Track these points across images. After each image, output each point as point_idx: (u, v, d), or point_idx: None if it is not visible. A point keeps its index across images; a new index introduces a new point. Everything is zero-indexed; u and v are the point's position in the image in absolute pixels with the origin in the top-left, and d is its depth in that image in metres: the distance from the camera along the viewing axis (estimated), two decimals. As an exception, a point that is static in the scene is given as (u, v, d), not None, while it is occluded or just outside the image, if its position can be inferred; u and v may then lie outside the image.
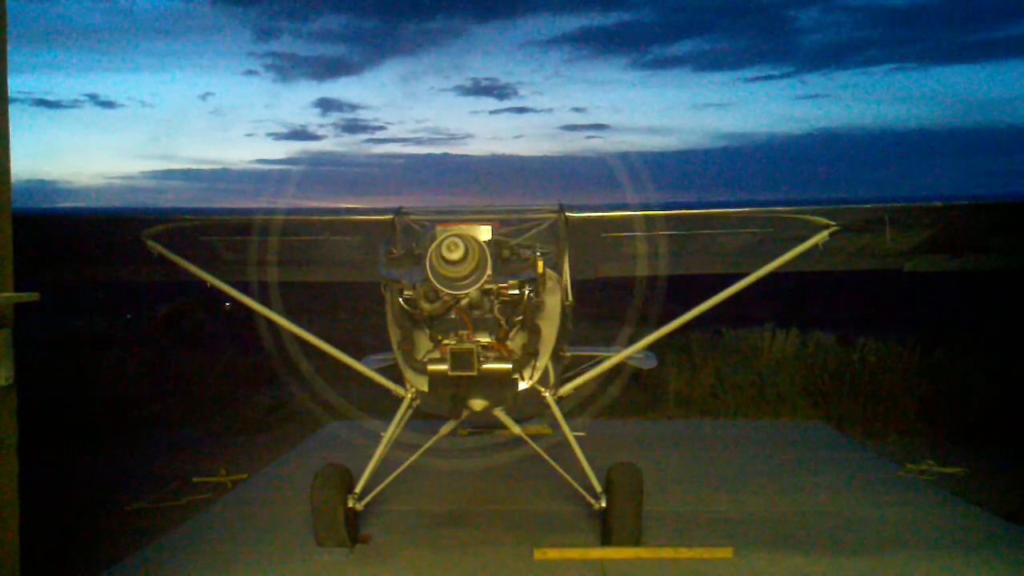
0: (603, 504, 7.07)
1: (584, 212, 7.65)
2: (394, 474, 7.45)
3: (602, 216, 7.73)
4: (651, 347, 9.13)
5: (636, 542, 6.98)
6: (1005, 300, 19.55)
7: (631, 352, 8.31)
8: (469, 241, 5.85)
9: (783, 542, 7.31)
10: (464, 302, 6.09)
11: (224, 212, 8.01)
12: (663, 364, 13.14)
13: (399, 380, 7.34)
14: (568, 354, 8.39)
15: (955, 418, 11.93)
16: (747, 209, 7.71)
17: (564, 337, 7.49)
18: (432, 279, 5.93)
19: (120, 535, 7.76)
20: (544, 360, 6.91)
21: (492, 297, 6.22)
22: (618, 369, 8.84)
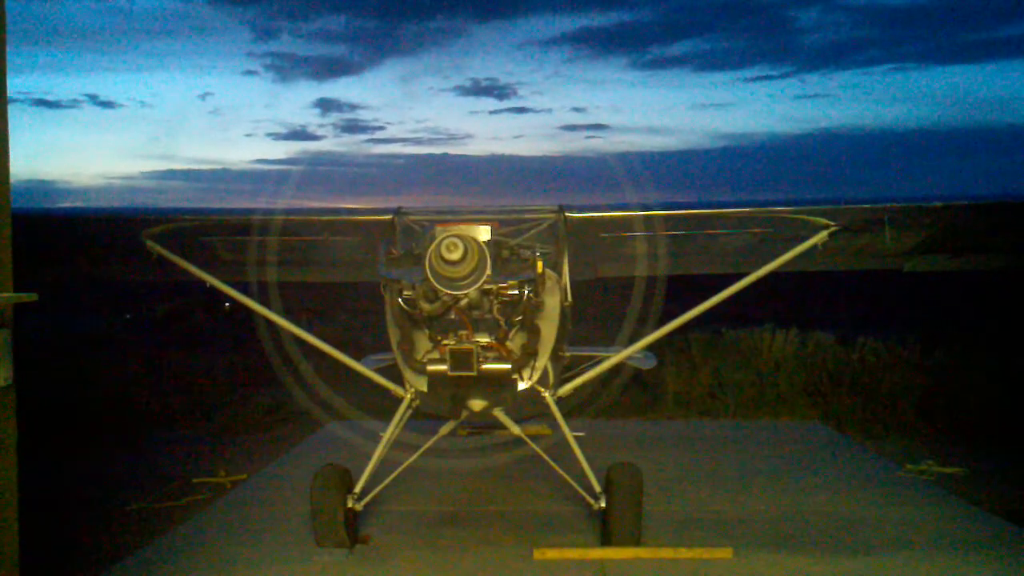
0: (603, 504, 7.07)
1: (583, 212, 7.64)
2: (394, 474, 7.44)
3: (601, 216, 7.72)
4: (650, 347, 9.14)
5: (636, 542, 6.98)
6: (1004, 300, 19.53)
7: (630, 352, 8.31)
8: (468, 241, 5.85)
9: (782, 542, 7.31)
10: (463, 302, 6.08)
11: (224, 212, 8.01)
12: (663, 364, 13.14)
13: (398, 380, 7.34)
14: (567, 354, 8.39)
15: (954, 418, 11.94)
16: (747, 209, 7.71)
17: (563, 337, 7.49)
18: (431, 279, 5.93)
19: (120, 535, 7.76)
20: (543, 360, 6.91)
21: (491, 297, 6.22)
22: (618, 369, 8.84)
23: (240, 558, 7.06)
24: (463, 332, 6.36)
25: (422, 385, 6.85)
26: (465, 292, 5.98)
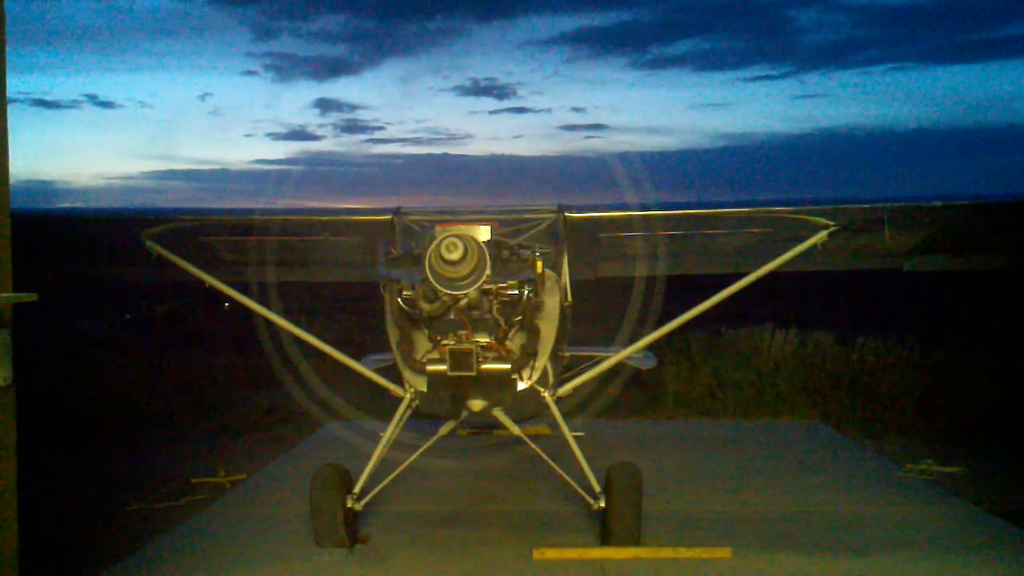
0: (602, 504, 7.07)
1: (583, 212, 7.65)
2: (393, 474, 7.44)
3: (601, 216, 7.73)
4: (650, 347, 9.14)
5: (635, 542, 6.98)
6: (1004, 300, 19.54)
7: (630, 352, 8.32)
8: (468, 241, 5.85)
9: (782, 542, 7.31)
10: (463, 302, 6.08)
11: (223, 212, 8.02)
12: (662, 364, 13.14)
13: (398, 380, 7.35)
14: (567, 354, 8.40)
15: (954, 418, 11.93)
16: (746, 209, 7.72)
17: (563, 337, 7.49)
18: (431, 279, 5.93)
19: (119, 535, 7.75)
20: (543, 360, 6.92)
21: (491, 297, 6.22)
22: (617, 369, 8.84)
23: (240, 558, 7.06)
24: (463, 332, 6.37)
25: (422, 385, 6.85)
26: (465, 292, 5.98)
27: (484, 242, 6.01)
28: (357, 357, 8.63)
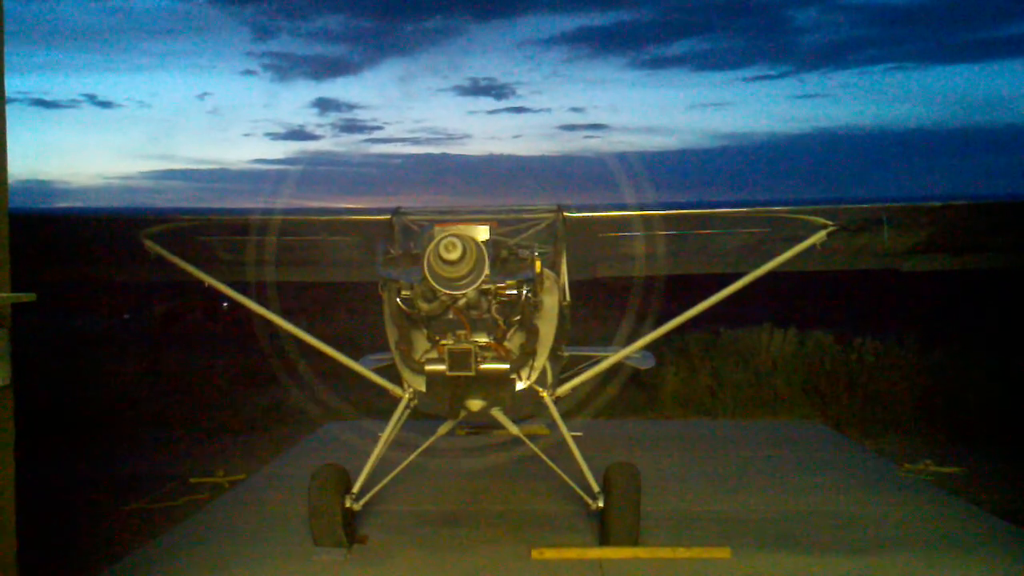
0: (601, 504, 7.06)
1: (582, 212, 7.65)
2: (392, 474, 7.44)
3: (600, 216, 7.73)
4: (649, 347, 9.14)
5: (634, 542, 6.97)
6: (1003, 300, 19.55)
7: (629, 352, 8.32)
8: (467, 241, 5.85)
9: (781, 542, 7.31)
10: (462, 302, 6.08)
11: (222, 212, 8.02)
12: (661, 364, 13.14)
13: (397, 380, 7.35)
14: (566, 354, 8.39)
15: (953, 418, 11.93)
16: (745, 209, 7.72)
17: (562, 337, 7.49)
18: (430, 279, 5.93)
19: (118, 535, 7.76)
20: (542, 360, 6.92)
21: (490, 297, 6.22)
22: (616, 369, 8.84)
23: (238, 558, 7.06)
24: (461, 332, 6.36)
25: (420, 385, 6.85)
26: (463, 292, 5.98)
27: (483, 242, 6.01)
28: (356, 357, 8.62)
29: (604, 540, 7.11)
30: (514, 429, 7.51)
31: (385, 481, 7.38)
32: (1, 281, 4.65)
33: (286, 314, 7.94)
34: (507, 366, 6.47)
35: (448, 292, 5.97)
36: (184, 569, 6.83)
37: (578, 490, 7.24)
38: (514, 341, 6.68)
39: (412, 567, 6.88)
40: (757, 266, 7.87)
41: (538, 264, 6.37)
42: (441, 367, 6.38)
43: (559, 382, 7.87)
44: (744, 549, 7.05)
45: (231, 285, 8.09)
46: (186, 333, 21.00)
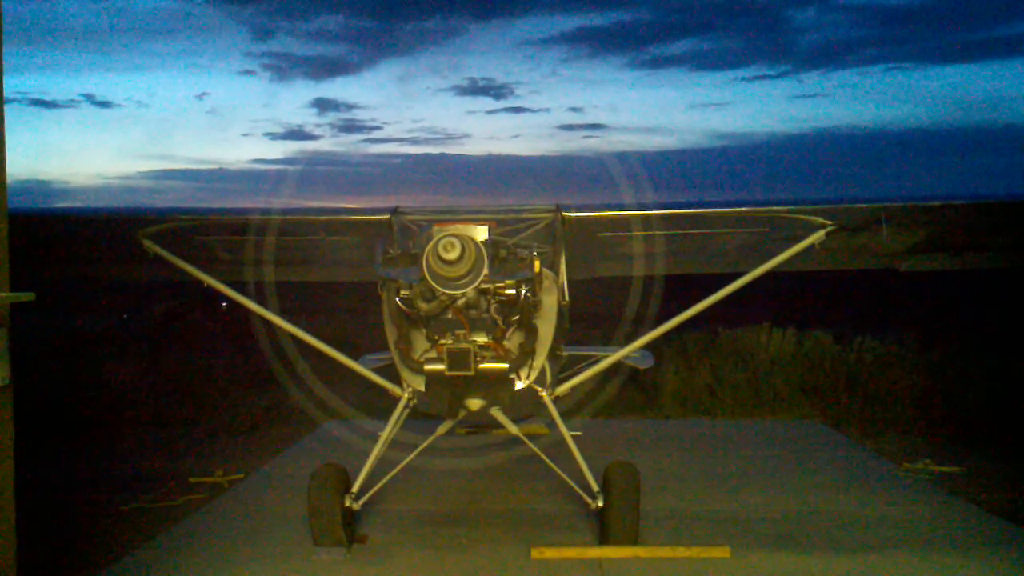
0: (600, 503, 7.06)
1: (581, 212, 7.65)
2: (391, 474, 7.44)
3: (599, 216, 7.73)
4: (648, 346, 9.14)
5: (633, 541, 6.98)
6: (1002, 299, 19.56)
7: (628, 351, 8.32)
8: (466, 241, 5.85)
9: (780, 541, 7.31)
10: (461, 302, 6.08)
11: (221, 212, 8.01)
12: (660, 363, 13.15)
13: (396, 380, 7.34)
14: (565, 354, 8.40)
15: (953, 417, 11.94)
16: (744, 209, 7.72)
17: (561, 337, 7.49)
18: (429, 279, 5.93)
19: (116, 535, 7.75)
20: (541, 360, 6.92)
21: (489, 297, 6.22)
22: (615, 368, 8.85)
23: (237, 558, 7.06)
24: (460, 331, 6.36)
25: (419, 384, 6.85)
26: (462, 291, 5.98)
27: (482, 241, 6.01)
28: (355, 357, 8.62)
29: (604, 539, 7.11)
30: (513, 428, 7.51)
31: (384, 481, 7.39)
32: (1, 281, 4.65)
33: (285, 314, 7.94)
34: (506, 366, 6.47)
35: (447, 292, 5.97)
36: (183, 569, 6.83)
37: (578, 489, 7.24)
38: (513, 341, 6.68)
39: (412, 567, 6.88)
40: (756, 266, 7.87)
41: (537, 264, 6.37)
42: (440, 367, 6.38)
43: (558, 382, 7.87)
44: (743, 548, 7.05)
45: (230, 285, 8.08)
46: (185, 333, 20.97)
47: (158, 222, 7.82)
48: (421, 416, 7.59)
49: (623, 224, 7.86)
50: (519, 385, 6.88)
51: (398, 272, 6.27)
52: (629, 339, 8.15)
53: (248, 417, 12.96)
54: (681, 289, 8.42)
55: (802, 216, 7.58)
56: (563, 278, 7.44)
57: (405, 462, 7.55)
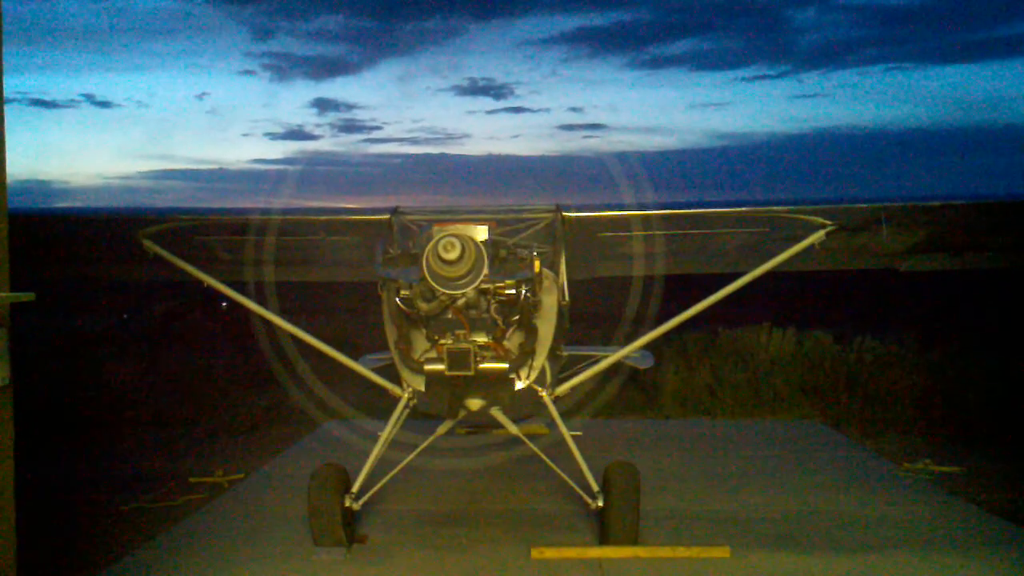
0: (600, 503, 7.06)
1: (581, 212, 7.65)
2: (391, 474, 7.44)
3: (599, 216, 7.73)
4: (648, 346, 9.14)
5: (633, 541, 6.98)
6: (1002, 299, 19.57)
7: (628, 351, 8.32)
8: (466, 241, 5.85)
9: (780, 541, 7.31)
10: (461, 302, 6.08)
11: (221, 212, 8.01)
12: (660, 363, 13.15)
13: (396, 380, 7.34)
14: (565, 354, 8.40)
15: (953, 417, 11.94)
16: (744, 209, 7.72)
17: (561, 337, 7.49)
18: (429, 279, 5.93)
19: (116, 535, 7.75)
20: (541, 360, 6.92)
21: (489, 297, 6.22)
22: (615, 368, 8.85)
23: (237, 558, 7.06)
24: (460, 331, 6.35)
25: (419, 384, 6.85)
26: (462, 291, 5.98)
27: (482, 241, 6.01)
28: (355, 357, 8.62)
29: (604, 539, 7.11)
30: (513, 428, 7.51)
31: (384, 481, 7.39)
32: (1, 281, 4.65)
33: (285, 314, 7.93)
34: (506, 366, 6.47)
35: (447, 292, 5.97)
36: (183, 568, 6.83)
37: (578, 489, 7.24)
38: (513, 341, 6.68)
39: (412, 566, 6.88)
40: (756, 266, 7.87)
41: (537, 264, 6.37)
42: (440, 367, 6.38)
43: (558, 381, 7.88)
44: (743, 548, 7.05)
45: (230, 285, 8.08)
46: (185, 333, 20.96)
47: (158, 222, 7.82)
48: (421, 416, 7.59)
49: (623, 224, 7.86)
50: (519, 385, 6.87)
51: (398, 272, 6.27)
52: (629, 339, 8.14)
53: (248, 417, 12.96)
54: (681, 289, 8.42)
55: (802, 216, 7.58)
56: (563, 278, 7.44)
57: (405, 462, 7.55)
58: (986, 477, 9.53)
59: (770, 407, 13.26)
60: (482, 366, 6.37)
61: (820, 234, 7.72)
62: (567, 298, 7.51)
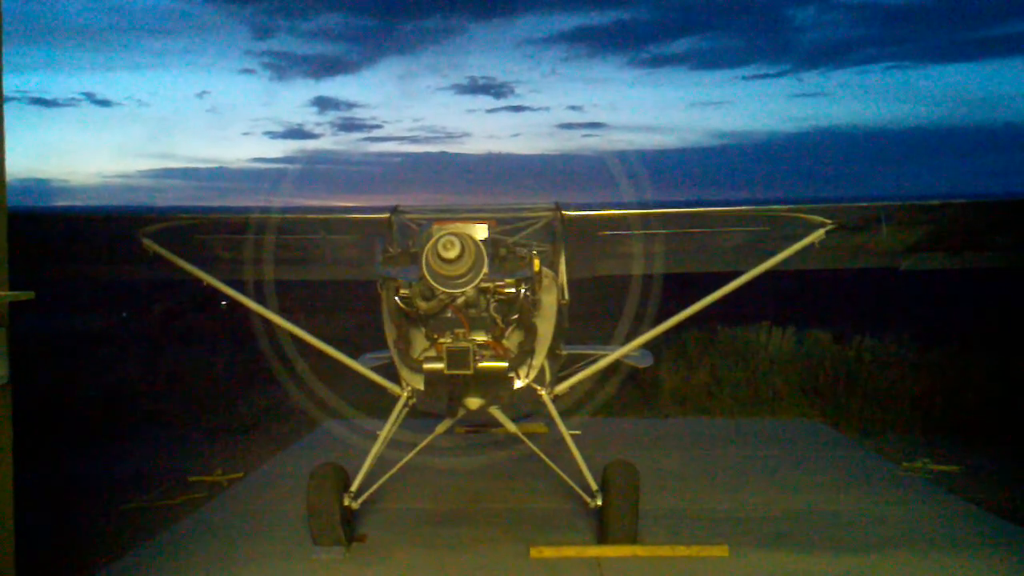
0: (599, 502, 7.07)
1: (581, 210, 7.65)
2: (390, 473, 7.44)
3: (599, 214, 7.73)
4: (647, 345, 9.14)
5: (632, 540, 6.98)
6: (1002, 298, 19.59)
7: (627, 350, 8.31)
8: (465, 239, 5.85)
9: (779, 540, 7.32)
10: (460, 300, 6.08)
11: (221, 211, 8.01)
12: (659, 362, 13.15)
13: (395, 378, 7.34)
14: (564, 352, 8.40)
15: (952, 416, 11.95)
16: (743, 207, 7.73)
17: (560, 335, 7.49)
18: (428, 277, 5.93)
19: (116, 534, 7.75)
20: (540, 358, 6.91)
21: (488, 295, 6.22)
22: (614, 367, 8.84)
23: (237, 557, 7.06)
24: (460, 330, 6.35)
25: (419, 383, 6.85)
26: (462, 290, 5.98)
27: (481, 240, 6.01)
28: (354, 356, 8.62)
29: (603, 538, 7.11)
30: (512, 427, 7.51)
31: (384, 479, 7.39)
32: (0, 279, 4.65)
33: (284, 313, 7.93)
34: (505, 364, 6.47)
35: (446, 290, 5.97)
36: (183, 568, 6.83)
37: (577, 488, 7.24)
38: (512, 339, 6.67)
39: (411, 566, 6.88)
40: (755, 264, 7.87)
41: (536, 262, 6.37)
42: (439, 365, 6.37)
43: (557, 380, 7.88)
44: (742, 547, 7.05)
45: (230, 284, 8.08)
46: (185, 332, 20.98)
47: (158, 221, 7.82)
48: (420, 415, 7.59)
49: (623, 223, 7.86)
50: (518, 384, 6.87)
51: (397, 271, 6.27)
52: (628, 338, 8.14)
53: (247, 416, 12.96)
54: (681, 288, 8.42)
55: (802, 215, 7.58)
56: (563, 277, 7.44)
57: (404, 461, 7.55)
58: (985, 476, 9.54)
59: (769, 406, 13.26)
60: (481, 365, 6.37)
61: (820, 233, 7.71)
62: (566, 297, 7.51)
